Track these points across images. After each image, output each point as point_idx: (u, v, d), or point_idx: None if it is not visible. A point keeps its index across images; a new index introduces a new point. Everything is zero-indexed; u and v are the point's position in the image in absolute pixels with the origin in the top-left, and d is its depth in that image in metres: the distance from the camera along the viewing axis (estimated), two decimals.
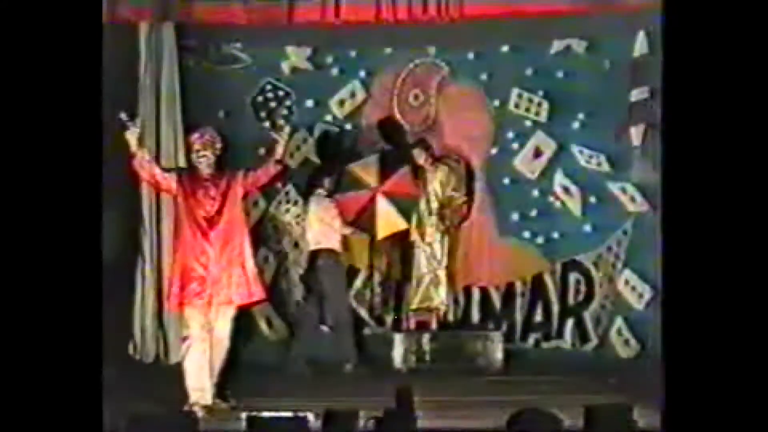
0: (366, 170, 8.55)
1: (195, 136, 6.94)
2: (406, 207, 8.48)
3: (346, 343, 8.10)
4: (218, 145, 6.85)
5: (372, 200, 8.52)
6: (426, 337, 8.24)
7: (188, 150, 7.05)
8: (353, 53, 8.64)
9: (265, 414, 5.91)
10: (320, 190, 8.19)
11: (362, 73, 8.67)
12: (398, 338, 8.22)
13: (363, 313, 8.67)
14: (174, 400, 6.69)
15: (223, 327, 6.78)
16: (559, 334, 8.67)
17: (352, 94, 8.67)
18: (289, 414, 6.05)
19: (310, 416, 5.79)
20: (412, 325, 8.47)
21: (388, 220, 8.51)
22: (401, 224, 8.47)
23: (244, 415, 5.57)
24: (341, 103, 8.66)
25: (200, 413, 6.44)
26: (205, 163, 6.83)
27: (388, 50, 8.66)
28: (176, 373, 7.00)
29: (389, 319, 8.66)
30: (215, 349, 6.75)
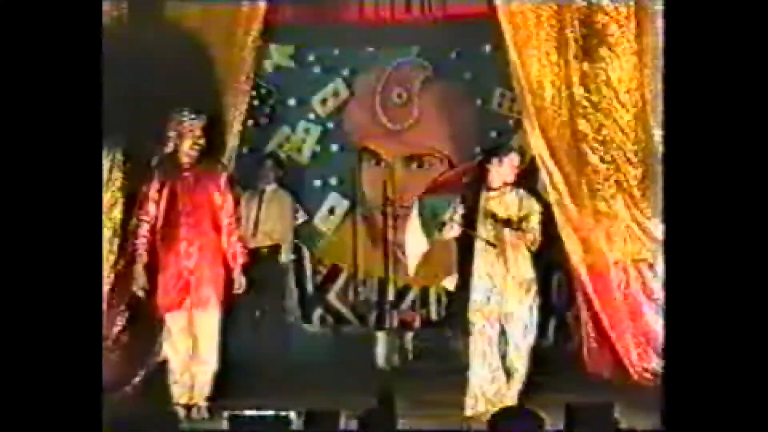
0: None
1: (194, 122, 6.74)
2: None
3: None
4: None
5: None
6: (409, 336, 8.24)
7: (179, 136, 6.80)
8: (336, 52, 8.63)
9: (247, 413, 5.90)
10: (272, 183, 8.14)
11: (345, 72, 8.67)
12: (381, 337, 8.22)
13: (345, 311, 8.68)
14: (155, 399, 6.69)
15: (209, 330, 6.74)
16: (542, 333, 8.67)
17: (335, 93, 8.67)
18: (270, 413, 6.05)
19: (292, 415, 5.78)
20: (395, 323, 8.46)
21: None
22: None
23: (226, 414, 5.56)
24: (324, 101, 8.66)
25: (182, 413, 6.43)
26: (197, 151, 6.75)
27: (371, 49, 8.67)
28: (157, 372, 7.00)
29: (371, 317, 8.66)
30: (205, 352, 6.71)
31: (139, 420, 5.23)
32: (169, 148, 6.81)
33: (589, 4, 7.68)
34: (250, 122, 8.45)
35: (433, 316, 8.57)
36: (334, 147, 8.70)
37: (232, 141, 7.54)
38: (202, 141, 6.75)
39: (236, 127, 7.55)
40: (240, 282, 6.78)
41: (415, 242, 7.32)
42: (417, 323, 8.43)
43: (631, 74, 7.69)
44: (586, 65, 7.72)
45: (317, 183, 8.62)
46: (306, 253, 8.65)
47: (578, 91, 7.72)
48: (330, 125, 8.69)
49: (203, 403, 6.58)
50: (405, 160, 8.65)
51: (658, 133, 7.63)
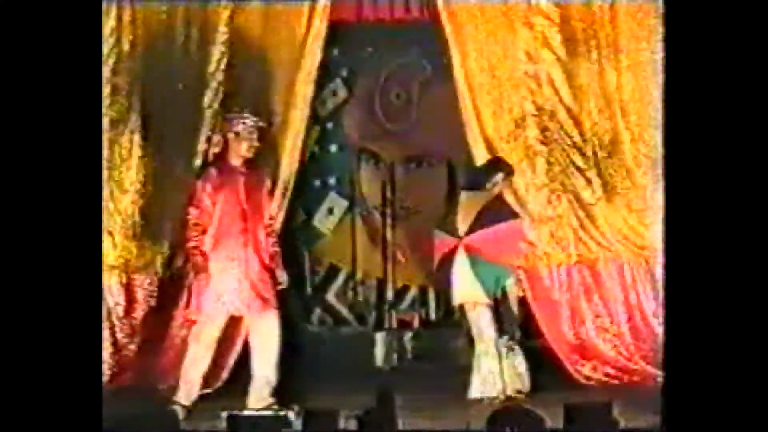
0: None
1: (255, 124, 6.79)
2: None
3: None
4: None
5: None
6: (408, 336, 8.24)
7: (236, 137, 6.78)
8: (335, 52, 8.61)
9: (246, 412, 5.91)
10: None
11: (344, 72, 8.66)
12: (380, 337, 8.22)
13: (344, 311, 8.68)
14: (154, 399, 6.68)
15: (272, 332, 6.73)
16: (541, 333, 8.68)
17: (334, 93, 8.66)
18: (269, 413, 6.05)
19: (291, 415, 5.79)
20: (394, 323, 8.46)
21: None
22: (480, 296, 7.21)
23: (224, 414, 5.56)
24: (323, 101, 8.64)
25: (181, 413, 6.43)
26: (253, 153, 6.75)
27: (370, 50, 8.65)
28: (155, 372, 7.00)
29: (370, 317, 8.65)
30: (267, 356, 6.71)
31: (139, 420, 5.24)
32: (218, 148, 6.81)
33: (529, 5, 7.73)
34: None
35: (432, 316, 8.56)
36: (333, 147, 8.69)
37: (295, 141, 7.59)
38: (257, 143, 6.77)
39: (298, 127, 7.60)
40: (284, 278, 6.82)
41: (468, 293, 7.21)
42: (416, 323, 8.43)
43: (576, 75, 7.74)
44: (530, 66, 7.77)
45: (316, 183, 8.61)
46: (305, 253, 8.64)
47: (522, 92, 7.77)
48: (329, 125, 8.68)
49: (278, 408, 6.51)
50: (404, 160, 8.65)
51: (614, 134, 7.70)
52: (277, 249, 6.84)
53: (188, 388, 6.66)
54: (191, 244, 6.63)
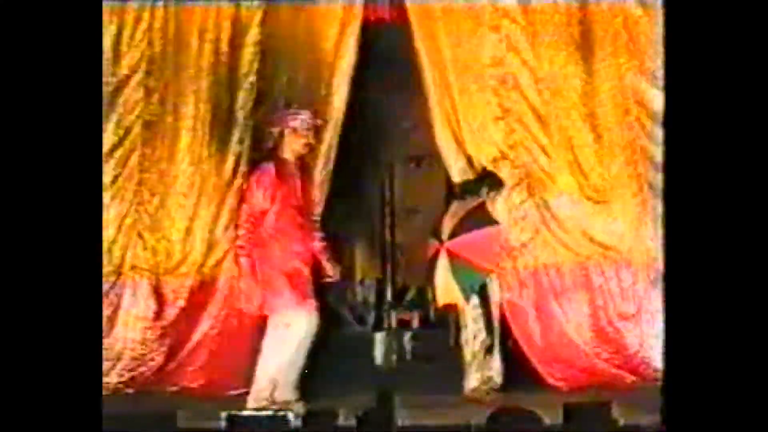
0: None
1: (313, 121, 6.82)
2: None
3: None
4: None
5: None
6: (407, 336, 8.24)
7: (293, 132, 6.79)
8: None
9: (246, 412, 5.91)
10: None
11: None
12: (379, 337, 8.22)
13: (344, 311, 8.68)
14: (153, 399, 6.68)
15: (296, 332, 6.73)
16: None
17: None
18: (269, 412, 6.06)
19: (291, 415, 5.80)
20: (394, 323, 8.46)
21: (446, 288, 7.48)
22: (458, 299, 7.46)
23: (224, 414, 5.57)
24: None
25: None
26: (306, 150, 6.77)
27: (370, 49, 8.64)
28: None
29: (370, 317, 8.66)
30: (281, 356, 6.69)
31: (139, 420, 5.25)
32: (271, 143, 6.82)
33: (495, 7, 7.74)
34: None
35: (432, 316, 8.57)
36: None
37: (332, 141, 7.65)
38: (313, 140, 6.80)
39: (336, 126, 7.67)
40: (335, 271, 6.83)
41: (448, 294, 7.40)
42: (415, 323, 8.43)
43: (544, 77, 7.74)
44: (498, 69, 7.78)
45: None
46: None
47: (488, 95, 7.77)
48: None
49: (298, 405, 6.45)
50: (404, 160, 8.65)
51: (578, 136, 7.70)
52: (324, 243, 6.88)
53: (261, 389, 6.62)
54: (240, 242, 6.62)
